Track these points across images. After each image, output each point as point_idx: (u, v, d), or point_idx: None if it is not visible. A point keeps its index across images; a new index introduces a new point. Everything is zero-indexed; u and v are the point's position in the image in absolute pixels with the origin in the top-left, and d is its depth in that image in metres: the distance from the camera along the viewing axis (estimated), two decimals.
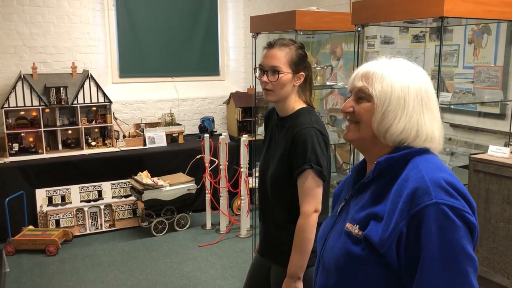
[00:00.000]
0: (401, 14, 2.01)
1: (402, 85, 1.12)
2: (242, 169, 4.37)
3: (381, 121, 1.12)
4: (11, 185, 4.20)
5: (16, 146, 4.47)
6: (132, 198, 4.62)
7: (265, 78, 1.81)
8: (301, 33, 2.71)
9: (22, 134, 4.58)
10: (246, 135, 4.52)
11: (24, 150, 4.56)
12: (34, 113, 4.58)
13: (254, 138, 4.19)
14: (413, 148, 1.12)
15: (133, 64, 5.45)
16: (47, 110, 4.62)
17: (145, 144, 4.95)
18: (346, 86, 3.40)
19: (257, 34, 3.19)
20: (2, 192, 4.11)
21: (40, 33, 4.81)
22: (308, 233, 1.75)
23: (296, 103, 1.87)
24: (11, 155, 4.41)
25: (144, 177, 4.44)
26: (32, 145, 4.59)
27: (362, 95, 1.16)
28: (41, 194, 4.36)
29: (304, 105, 1.87)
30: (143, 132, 5.03)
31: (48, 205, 4.37)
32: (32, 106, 4.47)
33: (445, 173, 1.07)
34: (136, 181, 4.45)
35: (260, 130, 4.22)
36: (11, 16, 4.68)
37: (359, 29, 2.28)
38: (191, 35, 5.67)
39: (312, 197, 1.75)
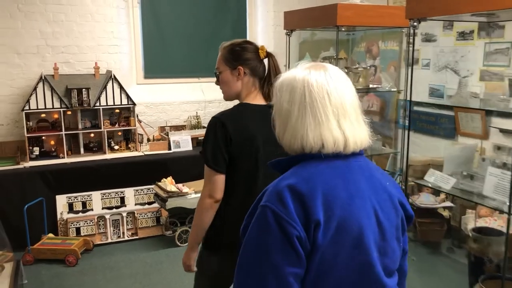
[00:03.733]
0: (470, 6, 1.68)
1: (289, 98, 1.17)
2: None
3: (277, 134, 1.22)
4: (31, 191, 4.02)
5: (36, 150, 4.30)
6: (156, 205, 4.39)
7: (216, 81, 2.02)
8: (343, 29, 2.40)
9: (43, 138, 4.40)
10: None
11: (45, 154, 4.38)
12: (56, 116, 4.40)
13: None
14: (304, 154, 1.16)
15: (158, 64, 5.22)
16: (69, 113, 4.44)
17: (169, 148, 4.71)
18: (393, 89, 3.09)
19: (292, 31, 2.89)
20: (21, 198, 3.94)
21: (63, 32, 4.62)
22: (198, 213, 1.87)
23: (247, 98, 1.93)
24: (31, 159, 4.24)
25: (168, 183, 4.20)
26: (53, 149, 4.41)
27: None
28: (61, 201, 4.17)
29: (247, 102, 1.91)
30: (167, 135, 4.80)
31: (68, 212, 4.18)
32: (53, 108, 4.28)
33: (298, 181, 1.09)
34: (160, 187, 4.22)
35: None
36: (34, 15, 4.51)
37: (415, 23, 1.96)
38: (218, 33, 5.40)
39: (206, 183, 1.86)
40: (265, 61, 1.95)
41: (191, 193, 4.16)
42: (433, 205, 4.09)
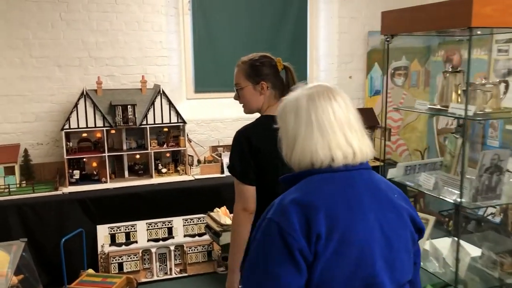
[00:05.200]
0: None
1: (294, 118, 1.21)
2: None
3: (284, 156, 1.25)
4: (69, 220, 3.57)
5: (77, 174, 3.85)
6: (207, 237, 3.84)
7: (235, 96, 2.06)
8: (479, 32, 1.78)
9: (85, 160, 3.95)
10: None
11: (86, 178, 3.93)
12: (99, 135, 3.95)
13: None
14: (310, 169, 1.19)
15: (210, 77, 4.70)
16: (113, 132, 3.98)
17: (222, 172, 4.16)
18: None
19: (392, 36, 2.28)
20: (58, 229, 3.50)
21: (108, 43, 4.19)
22: (235, 227, 1.90)
23: (269, 111, 1.98)
24: (71, 183, 3.79)
25: (222, 214, 3.65)
26: (95, 172, 3.95)
27: None
28: (103, 232, 3.70)
29: (268, 114, 1.95)
30: (220, 157, 4.26)
31: (110, 245, 3.69)
32: (95, 127, 3.83)
33: (302, 195, 1.14)
34: (212, 219, 3.67)
35: None
36: (77, 23, 4.09)
37: None
38: (276, 43, 4.84)
39: (237, 196, 1.91)
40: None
41: None
42: None
